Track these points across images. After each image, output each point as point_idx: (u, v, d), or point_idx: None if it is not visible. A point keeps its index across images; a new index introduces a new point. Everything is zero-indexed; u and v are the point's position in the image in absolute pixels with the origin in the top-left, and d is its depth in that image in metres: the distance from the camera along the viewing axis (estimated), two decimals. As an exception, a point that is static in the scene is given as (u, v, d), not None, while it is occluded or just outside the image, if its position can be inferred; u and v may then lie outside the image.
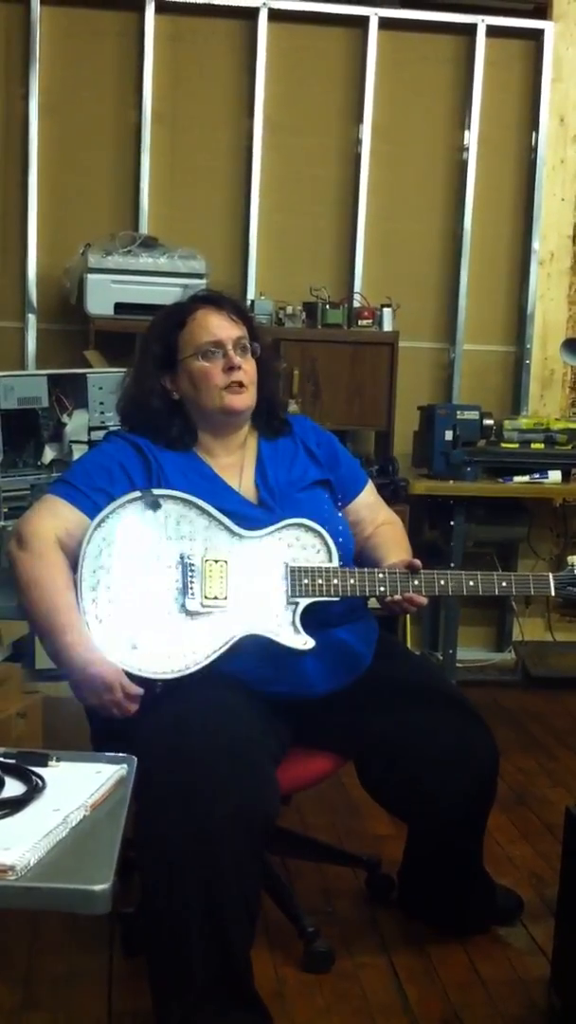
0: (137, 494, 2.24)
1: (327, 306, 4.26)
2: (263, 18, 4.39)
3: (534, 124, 4.61)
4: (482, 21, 4.51)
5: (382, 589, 2.29)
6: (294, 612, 2.24)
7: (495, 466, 4.29)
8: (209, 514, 2.25)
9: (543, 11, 4.59)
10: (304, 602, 2.24)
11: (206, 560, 2.22)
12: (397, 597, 2.29)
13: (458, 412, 4.23)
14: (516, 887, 2.74)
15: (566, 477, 4.29)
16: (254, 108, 4.44)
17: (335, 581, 2.26)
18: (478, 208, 4.61)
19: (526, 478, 4.25)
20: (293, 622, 2.23)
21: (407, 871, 2.65)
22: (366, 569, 2.31)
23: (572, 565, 2.39)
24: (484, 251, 4.65)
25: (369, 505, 2.54)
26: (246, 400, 2.36)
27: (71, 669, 2.13)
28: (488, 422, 4.24)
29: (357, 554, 2.46)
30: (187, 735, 2.07)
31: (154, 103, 4.39)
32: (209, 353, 2.33)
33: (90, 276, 4.02)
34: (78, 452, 3.46)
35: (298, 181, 4.53)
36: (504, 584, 2.35)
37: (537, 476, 4.25)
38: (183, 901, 2.01)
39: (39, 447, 3.59)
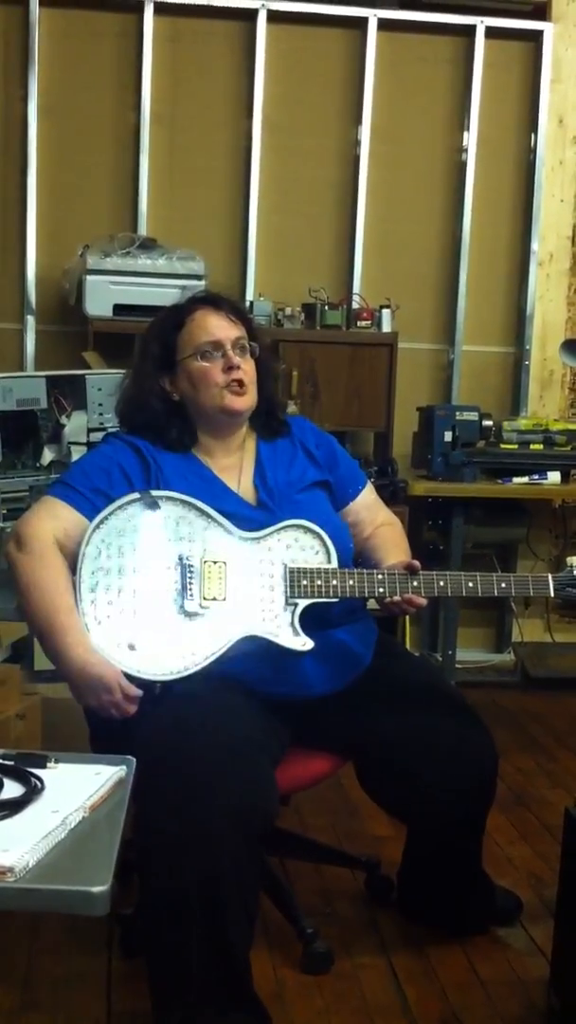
0: (136, 495, 2.24)
1: (326, 307, 4.26)
2: (262, 19, 4.39)
3: (533, 125, 4.61)
4: (481, 22, 4.52)
5: (381, 590, 2.29)
6: (293, 613, 2.24)
7: (494, 467, 4.29)
8: (208, 515, 2.25)
9: (542, 12, 4.59)
10: (303, 603, 2.24)
11: (205, 561, 2.22)
12: (396, 598, 2.29)
13: (457, 413, 4.23)
14: (515, 888, 2.74)
15: (565, 478, 4.29)
16: (253, 109, 4.44)
17: (334, 582, 2.26)
18: (477, 209, 4.61)
19: (525, 479, 4.25)
20: (292, 623, 2.23)
21: (406, 872, 2.65)
22: (365, 570, 2.31)
23: (571, 566, 2.39)
24: (483, 252, 4.65)
25: (368, 506, 2.54)
26: (247, 401, 2.36)
27: (70, 670, 2.13)
28: (487, 423, 4.24)
29: (356, 555, 2.46)
30: (186, 736, 2.07)
31: (153, 104, 4.39)
32: (208, 353, 2.33)
33: (89, 277, 4.02)
34: (77, 453, 3.46)
35: (297, 182, 4.53)
36: (503, 585, 2.35)
37: (536, 477, 4.25)
38: (182, 902, 2.01)
39: (38, 448, 3.59)
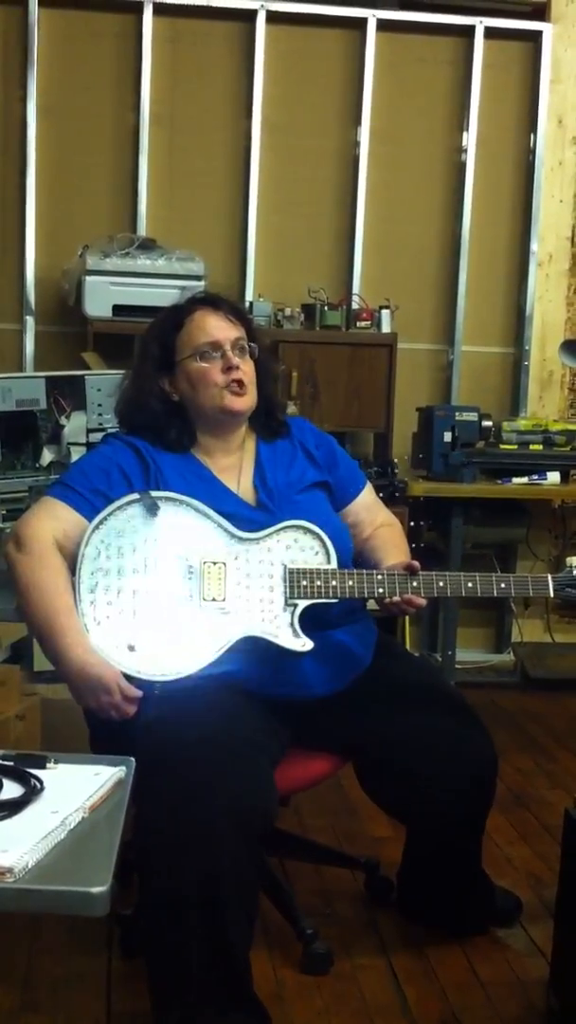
0: (135, 496, 2.24)
1: (325, 308, 4.27)
2: (261, 20, 4.39)
3: (532, 126, 4.62)
4: (480, 23, 4.52)
5: (381, 591, 2.29)
6: (293, 614, 2.24)
7: (494, 467, 4.29)
8: (207, 516, 2.25)
9: (541, 13, 4.59)
10: (303, 604, 2.24)
11: (204, 562, 2.22)
12: (396, 599, 2.29)
13: (457, 413, 4.23)
14: (515, 888, 2.74)
15: (564, 478, 4.29)
16: (252, 110, 4.44)
17: (333, 583, 2.26)
18: (477, 210, 4.61)
19: (525, 479, 4.25)
20: (292, 624, 2.23)
21: (406, 873, 2.65)
22: (364, 571, 2.31)
23: (571, 566, 2.39)
24: (483, 253, 4.65)
25: (368, 507, 2.54)
26: (247, 401, 2.36)
27: (69, 671, 2.13)
28: (487, 423, 4.24)
29: (356, 556, 2.46)
30: (185, 737, 2.06)
31: (152, 105, 4.39)
32: (207, 354, 2.33)
33: (88, 278, 4.02)
34: (76, 454, 3.45)
35: (296, 183, 4.53)
36: (503, 585, 2.35)
37: (536, 477, 4.26)
38: (181, 903, 2.00)
39: (37, 449, 3.59)
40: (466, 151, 4.58)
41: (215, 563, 2.23)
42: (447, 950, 2.51)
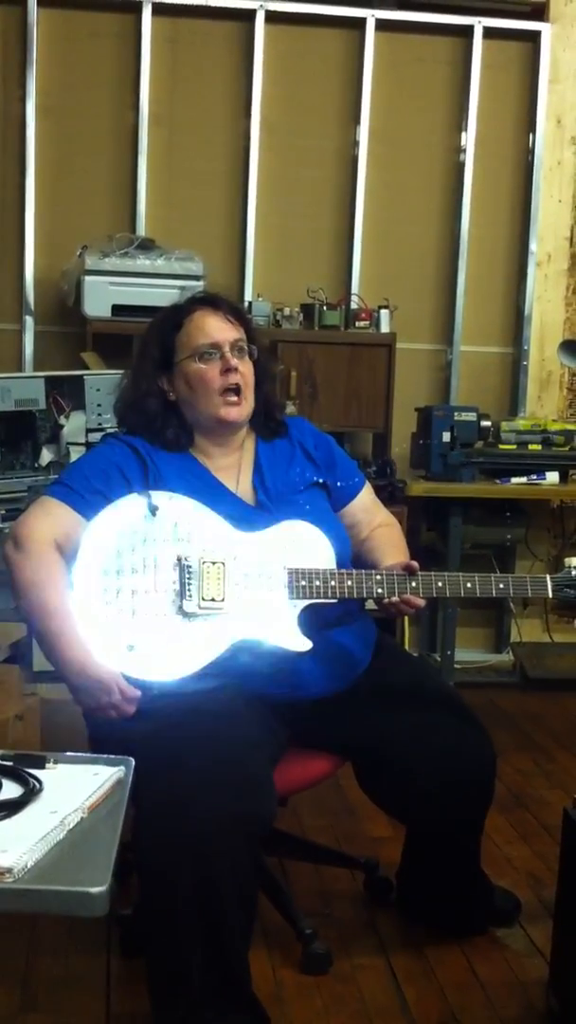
0: (134, 496, 2.24)
1: (324, 307, 4.27)
2: (260, 20, 4.39)
3: (531, 126, 4.62)
4: (479, 23, 4.52)
5: (379, 591, 2.28)
6: (292, 614, 2.24)
7: (492, 467, 4.29)
8: (206, 516, 2.25)
9: (540, 13, 4.59)
10: (302, 604, 2.24)
11: (203, 562, 2.22)
12: (395, 599, 2.29)
13: (455, 413, 4.23)
14: (514, 888, 2.74)
15: (563, 478, 4.29)
16: (251, 110, 4.44)
17: (332, 583, 2.26)
18: (475, 210, 4.61)
19: (523, 479, 4.25)
20: (291, 624, 2.23)
21: (405, 873, 2.65)
22: (363, 571, 2.31)
23: (569, 567, 2.39)
24: (481, 253, 4.65)
25: (366, 507, 2.54)
26: (243, 411, 2.35)
27: (68, 671, 2.13)
28: (485, 423, 4.24)
29: (355, 556, 2.46)
30: (184, 738, 2.06)
31: (151, 105, 4.39)
32: (206, 355, 2.33)
33: (87, 278, 4.02)
34: (75, 454, 3.47)
35: (295, 183, 4.53)
36: (501, 586, 2.35)
37: (534, 477, 4.26)
38: (181, 903, 2.00)
39: (36, 449, 3.60)
40: (465, 151, 4.58)
41: (214, 563, 2.23)
42: (446, 950, 2.51)
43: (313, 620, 2.25)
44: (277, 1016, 2.20)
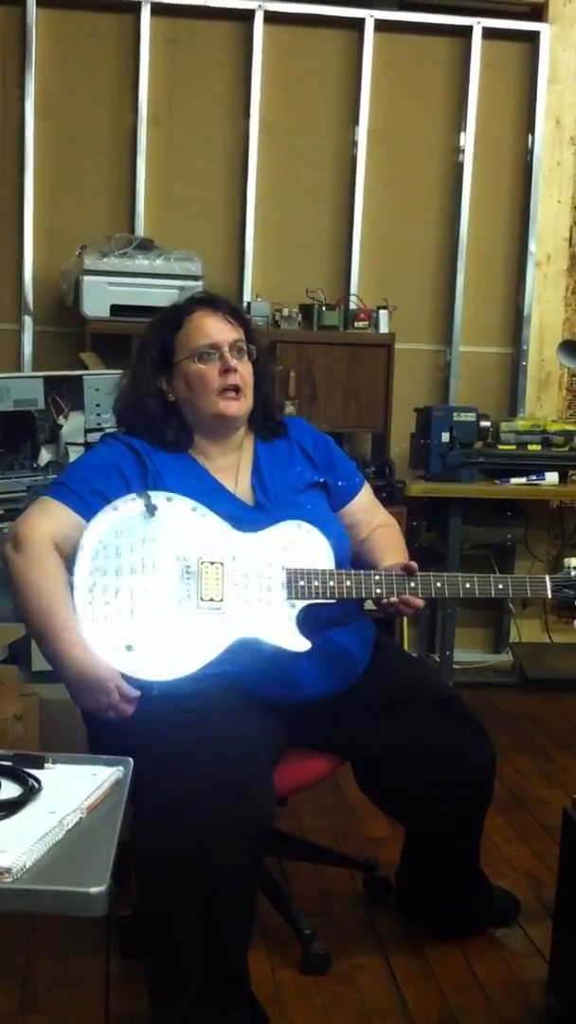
0: (133, 496, 2.24)
1: (323, 308, 4.27)
2: (259, 20, 4.39)
3: (530, 126, 4.62)
4: (478, 23, 4.52)
5: (378, 591, 2.28)
6: (291, 614, 2.24)
7: (492, 468, 4.29)
8: (205, 516, 2.25)
9: (539, 13, 4.59)
10: (301, 604, 2.24)
11: (202, 562, 2.22)
12: (394, 599, 2.28)
13: (455, 414, 4.23)
14: (513, 888, 2.74)
15: (563, 479, 4.29)
16: (250, 110, 4.44)
17: (331, 583, 2.25)
18: (474, 210, 4.61)
19: (523, 480, 4.26)
20: (290, 624, 2.23)
21: (404, 873, 2.65)
22: (362, 571, 2.30)
23: (569, 567, 2.39)
24: (481, 253, 4.65)
25: (366, 507, 2.54)
26: (242, 406, 2.36)
27: (67, 671, 2.13)
28: (485, 424, 4.24)
29: (354, 556, 2.46)
30: (183, 739, 2.06)
31: (150, 105, 4.39)
32: (205, 355, 2.33)
33: (86, 278, 4.02)
34: (74, 454, 3.46)
35: (294, 183, 4.53)
36: (501, 586, 2.35)
37: (534, 478, 4.26)
38: (180, 904, 2.00)
39: (35, 449, 3.59)
40: (464, 151, 4.58)
41: (213, 563, 2.23)
42: (446, 950, 2.51)
43: (312, 620, 2.25)
44: (276, 1016, 2.21)
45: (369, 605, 2.41)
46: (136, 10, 4.34)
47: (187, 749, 2.05)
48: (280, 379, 3.88)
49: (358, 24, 4.47)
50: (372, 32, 4.46)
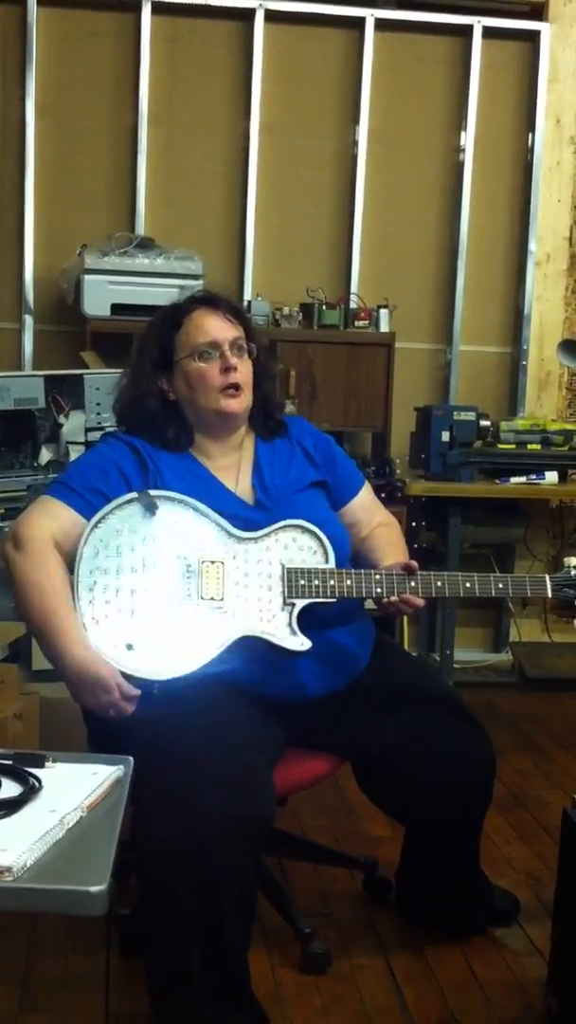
0: (134, 495, 2.24)
1: (323, 307, 4.27)
2: (259, 19, 4.39)
3: (530, 126, 4.62)
4: (478, 22, 4.52)
5: (378, 590, 2.28)
6: (291, 613, 2.24)
7: (492, 467, 4.29)
8: (206, 515, 2.25)
9: (539, 13, 4.59)
10: (301, 603, 2.24)
11: (203, 561, 2.22)
12: (394, 598, 2.29)
13: (455, 413, 4.23)
14: (513, 888, 2.74)
15: (562, 478, 4.29)
16: (250, 110, 4.44)
17: (332, 582, 2.26)
18: (474, 209, 4.61)
19: (523, 479, 4.25)
20: (290, 623, 2.23)
21: (404, 873, 2.65)
22: (363, 570, 2.31)
23: (568, 566, 2.39)
24: (481, 252, 4.65)
25: (366, 507, 2.54)
26: (242, 403, 2.36)
27: (68, 670, 2.13)
28: (485, 423, 4.24)
29: (354, 556, 2.46)
30: (183, 738, 2.06)
31: (150, 105, 4.39)
32: (205, 354, 2.33)
33: (87, 277, 4.02)
34: (75, 453, 3.46)
35: (294, 182, 4.53)
36: (501, 585, 2.35)
37: (534, 477, 4.26)
38: (180, 904, 2.00)
39: (36, 448, 3.59)
40: (464, 151, 4.58)
41: (213, 562, 2.23)
42: (445, 950, 2.51)
43: (312, 620, 2.25)
44: (276, 1016, 2.20)
45: (369, 604, 2.41)
46: (136, 9, 4.34)
47: (187, 748, 2.05)
48: (280, 378, 3.88)
49: (358, 23, 4.47)
50: (372, 31, 4.46)
